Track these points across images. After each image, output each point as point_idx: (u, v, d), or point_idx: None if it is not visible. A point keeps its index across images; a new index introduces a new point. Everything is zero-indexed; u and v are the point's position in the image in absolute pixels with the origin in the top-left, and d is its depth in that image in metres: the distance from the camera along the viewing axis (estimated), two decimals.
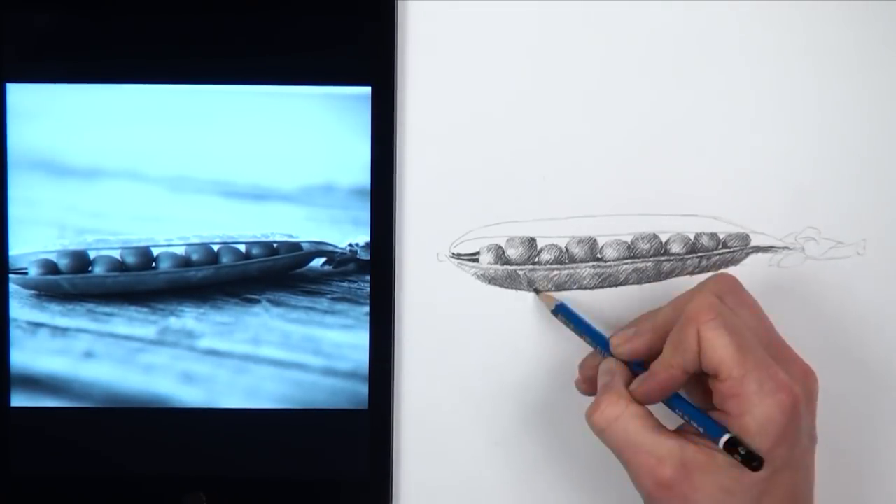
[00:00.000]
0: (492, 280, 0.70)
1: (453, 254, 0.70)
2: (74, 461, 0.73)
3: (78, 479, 0.73)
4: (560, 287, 0.70)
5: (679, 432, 0.62)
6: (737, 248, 0.70)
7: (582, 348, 0.68)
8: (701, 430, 0.60)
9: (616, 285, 0.70)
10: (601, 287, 0.70)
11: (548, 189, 0.70)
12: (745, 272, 0.70)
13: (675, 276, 0.71)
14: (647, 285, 0.71)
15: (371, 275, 0.70)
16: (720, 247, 0.70)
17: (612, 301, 0.70)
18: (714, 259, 0.70)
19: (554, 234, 0.70)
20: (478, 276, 0.70)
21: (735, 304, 0.62)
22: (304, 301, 0.73)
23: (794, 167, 0.70)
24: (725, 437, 0.59)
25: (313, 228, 0.72)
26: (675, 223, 0.70)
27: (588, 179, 0.70)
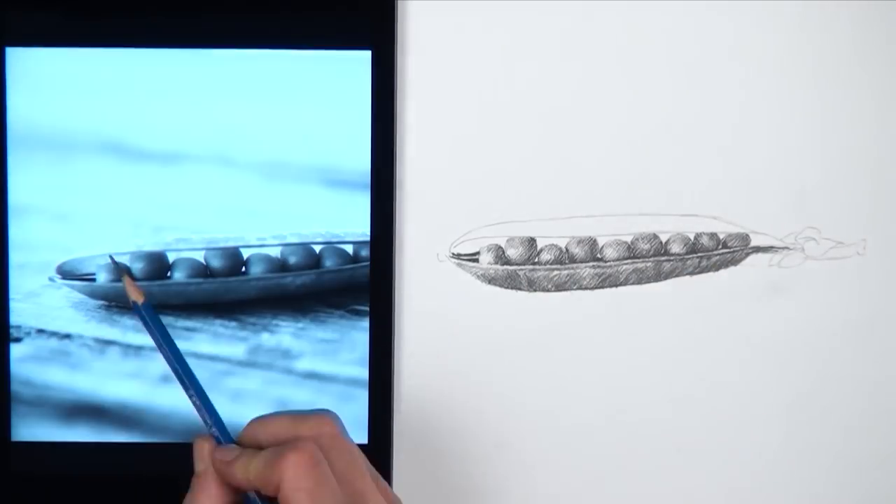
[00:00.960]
0: (492, 280, 0.71)
1: (453, 254, 0.71)
2: (74, 461, 0.67)
3: (78, 480, 0.68)
4: (560, 287, 0.71)
5: None
6: (737, 248, 0.70)
7: (583, 352, 0.69)
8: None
9: (616, 285, 0.70)
10: (601, 287, 0.71)
11: (548, 189, 0.70)
12: (745, 272, 0.70)
13: (675, 276, 0.71)
14: (647, 285, 0.71)
15: (371, 275, 0.67)
16: (720, 247, 0.70)
17: (612, 301, 0.71)
18: (714, 259, 0.70)
19: (554, 234, 0.71)
20: (478, 276, 0.71)
21: (328, 446, 0.56)
22: None
23: (794, 167, 0.69)
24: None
25: None
26: (675, 223, 0.70)
27: (588, 179, 0.70)
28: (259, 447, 0.57)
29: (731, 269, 0.70)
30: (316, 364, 0.66)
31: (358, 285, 0.67)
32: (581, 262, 0.70)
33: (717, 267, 0.70)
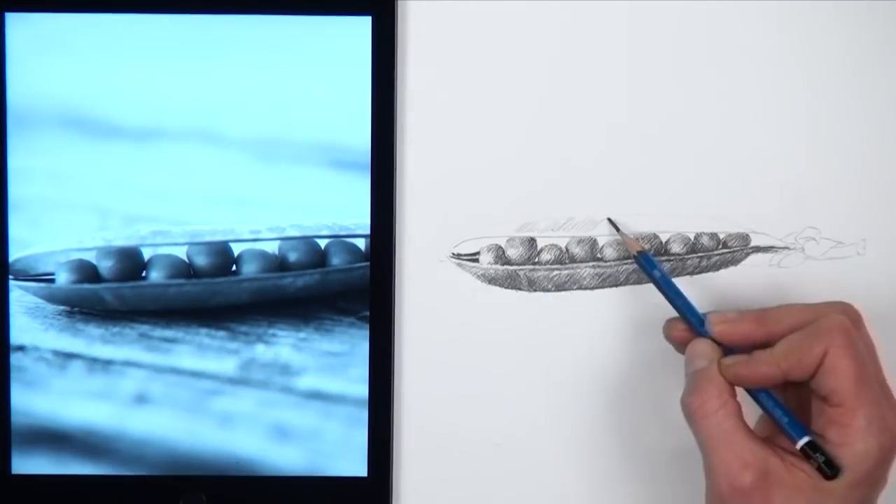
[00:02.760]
0: (492, 280, 0.70)
1: (453, 254, 0.70)
2: (75, 462, 0.61)
3: (78, 480, 0.62)
4: (560, 287, 0.70)
5: (766, 440, 0.61)
6: (737, 248, 0.70)
7: (583, 352, 0.68)
8: (783, 424, 0.60)
9: (616, 285, 0.70)
10: (601, 287, 0.70)
11: (548, 189, 0.70)
12: (745, 272, 0.70)
13: (675, 277, 0.71)
14: (648, 285, 0.70)
15: (371, 275, 0.65)
16: (720, 247, 0.70)
17: (612, 301, 0.71)
18: (714, 259, 0.70)
19: (554, 234, 0.70)
20: (478, 276, 0.70)
21: (859, 334, 0.61)
22: None
23: (794, 167, 0.70)
24: (805, 440, 0.60)
25: None
26: (675, 223, 0.70)
27: (588, 179, 0.70)
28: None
29: (731, 268, 0.70)
30: (321, 382, 0.59)
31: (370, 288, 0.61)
32: (581, 262, 0.70)
33: (717, 267, 0.70)
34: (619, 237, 0.70)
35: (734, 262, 0.70)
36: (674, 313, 0.65)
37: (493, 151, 0.69)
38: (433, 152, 0.69)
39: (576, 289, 0.70)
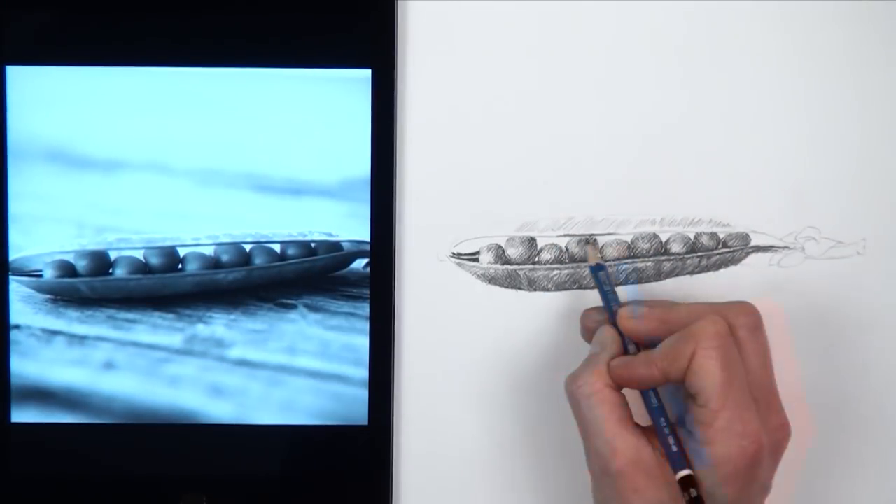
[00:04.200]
0: (492, 280, 0.70)
1: (453, 254, 0.70)
2: (74, 462, 0.69)
3: (78, 480, 0.70)
4: (560, 287, 0.70)
5: (644, 431, 0.62)
6: (737, 247, 0.70)
7: (583, 351, 0.68)
8: (668, 451, 0.62)
9: (616, 285, 0.70)
10: None
11: (548, 189, 0.70)
12: (745, 272, 0.70)
13: (675, 276, 0.71)
14: (648, 285, 0.71)
15: (371, 275, 0.69)
16: (720, 246, 0.70)
17: None
18: (714, 259, 0.70)
19: (554, 234, 0.70)
20: (478, 276, 0.70)
21: (746, 338, 0.62)
22: (345, 306, 0.69)
23: (794, 167, 0.70)
24: (684, 473, 0.60)
25: (355, 226, 0.69)
26: (675, 223, 0.70)
27: (588, 179, 0.70)
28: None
29: (731, 268, 0.70)
30: (247, 352, 0.69)
31: (285, 281, 0.70)
32: (581, 261, 0.70)
33: (717, 267, 0.70)
34: (619, 237, 0.70)
35: (734, 261, 0.70)
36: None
37: (493, 151, 0.69)
38: (433, 152, 0.69)
39: (576, 289, 0.70)
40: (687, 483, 0.60)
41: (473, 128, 0.69)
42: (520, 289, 0.70)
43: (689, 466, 0.61)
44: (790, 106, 0.70)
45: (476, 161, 0.70)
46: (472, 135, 0.70)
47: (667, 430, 0.62)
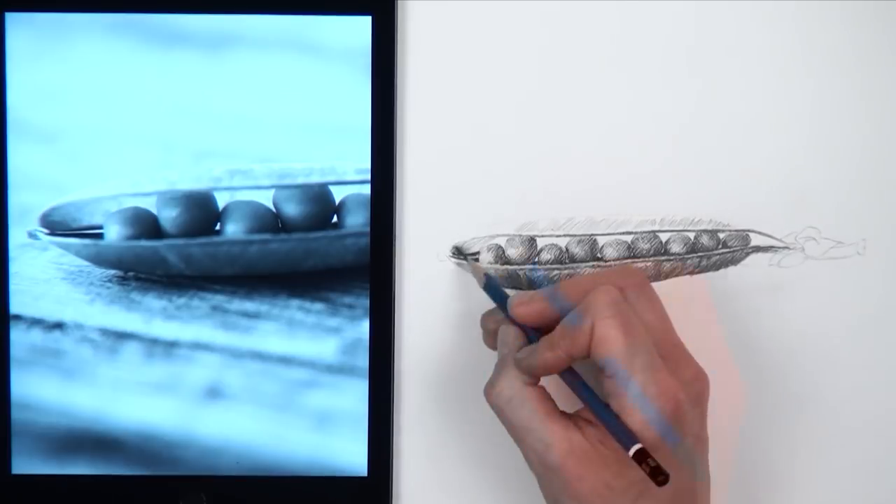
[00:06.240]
0: None
1: (453, 253, 0.70)
2: (74, 461, 0.60)
3: (78, 480, 0.61)
4: None
5: (571, 418, 0.62)
6: (737, 248, 0.70)
7: None
8: (612, 430, 0.61)
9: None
10: None
11: (548, 189, 0.70)
12: (745, 272, 0.70)
13: (675, 276, 0.71)
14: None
15: (371, 275, 0.66)
16: (720, 247, 0.70)
17: None
18: (714, 259, 0.70)
19: (554, 234, 0.70)
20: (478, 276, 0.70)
21: (637, 299, 0.62)
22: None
23: (794, 167, 0.70)
24: (635, 448, 0.59)
25: None
26: (675, 223, 0.70)
27: (588, 179, 0.70)
28: None
29: (731, 268, 0.70)
30: None
31: None
32: (581, 261, 0.70)
33: (717, 267, 0.70)
34: (619, 237, 0.70)
35: (734, 262, 0.70)
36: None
37: (493, 151, 0.69)
38: (433, 152, 0.69)
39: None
40: (641, 456, 0.59)
41: (474, 128, 0.69)
42: (520, 289, 0.70)
43: (638, 441, 0.59)
44: (790, 106, 0.70)
45: (476, 161, 0.70)
46: (473, 135, 0.69)
47: (605, 409, 0.61)
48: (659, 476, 0.58)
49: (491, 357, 0.70)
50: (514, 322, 0.64)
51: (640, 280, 0.63)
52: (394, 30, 0.67)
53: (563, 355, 0.61)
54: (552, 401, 0.63)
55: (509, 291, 0.68)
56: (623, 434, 0.60)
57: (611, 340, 0.60)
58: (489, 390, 0.63)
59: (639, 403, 0.59)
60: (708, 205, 0.70)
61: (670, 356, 0.62)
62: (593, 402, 0.62)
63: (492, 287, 0.66)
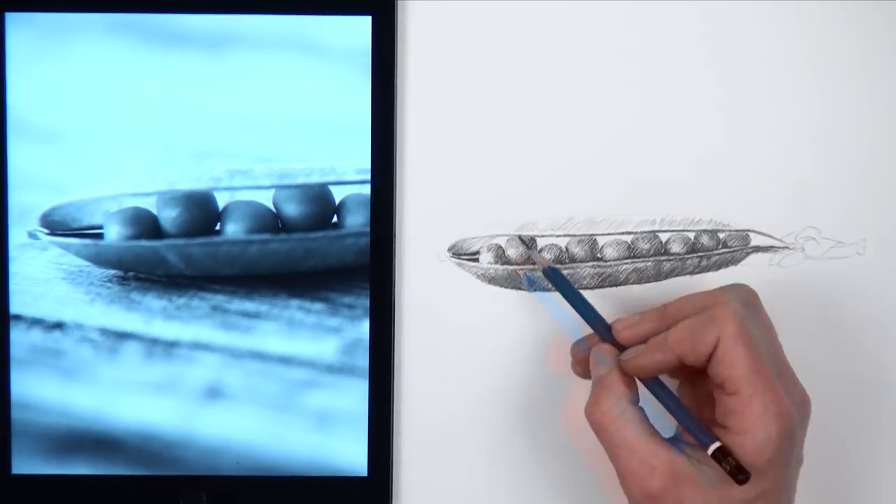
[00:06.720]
0: (492, 280, 0.70)
1: (453, 253, 0.70)
2: (74, 461, 0.61)
3: (78, 480, 0.62)
4: None
5: (671, 442, 0.62)
6: (737, 248, 0.70)
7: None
8: (692, 430, 0.61)
9: (616, 285, 0.70)
10: (601, 287, 0.71)
11: (548, 189, 0.70)
12: (745, 272, 0.70)
13: (675, 276, 0.71)
14: (647, 285, 0.70)
15: (371, 275, 0.66)
16: (720, 247, 0.70)
17: (612, 301, 0.70)
18: (714, 259, 0.70)
19: (554, 234, 0.70)
20: (478, 276, 0.70)
21: (753, 318, 0.62)
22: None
23: (794, 167, 0.70)
24: (715, 446, 0.60)
25: None
26: (675, 223, 0.70)
27: (588, 179, 0.70)
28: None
29: (731, 268, 0.70)
30: None
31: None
32: (581, 261, 0.70)
33: (717, 267, 0.70)
34: (619, 237, 0.70)
35: (734, 262, 0.70)
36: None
37: (493, 151, 0.69)
38: (433, 152, 0.69)
39: (576, 288, 0.70)
40: (721, 455, 0.59)
41: (474, 128, 0.69)
42: (520, 289, 0.70)
43: (717, 439, 0.60)
44: (790, 106, 0.70)
45: (476, 161, 0.70)
46: (473, 135, 0.69)
47: (684, 408, 0.62)
48: (740, 475, 0.58)
49: (491, 357, 0.70)
50: (607, 341, 0.64)
51: (752, 298, 0.63)
52: (394, 30, 0.67)
53: (674, 359, 0.61)
54: (650, 423, 0.62)
55: (510, 291, 0.68)
56: (700, 432, 0.60)
57: (735, 359, 0.59)
58: (592, 409, 0.62)
59: (760, 423, 0.59)
60: (708, 205, 0.70)
61: (781, 376, 0.61)
62: (668, 397, 0.62)
63: (591, 313, 0.66)
